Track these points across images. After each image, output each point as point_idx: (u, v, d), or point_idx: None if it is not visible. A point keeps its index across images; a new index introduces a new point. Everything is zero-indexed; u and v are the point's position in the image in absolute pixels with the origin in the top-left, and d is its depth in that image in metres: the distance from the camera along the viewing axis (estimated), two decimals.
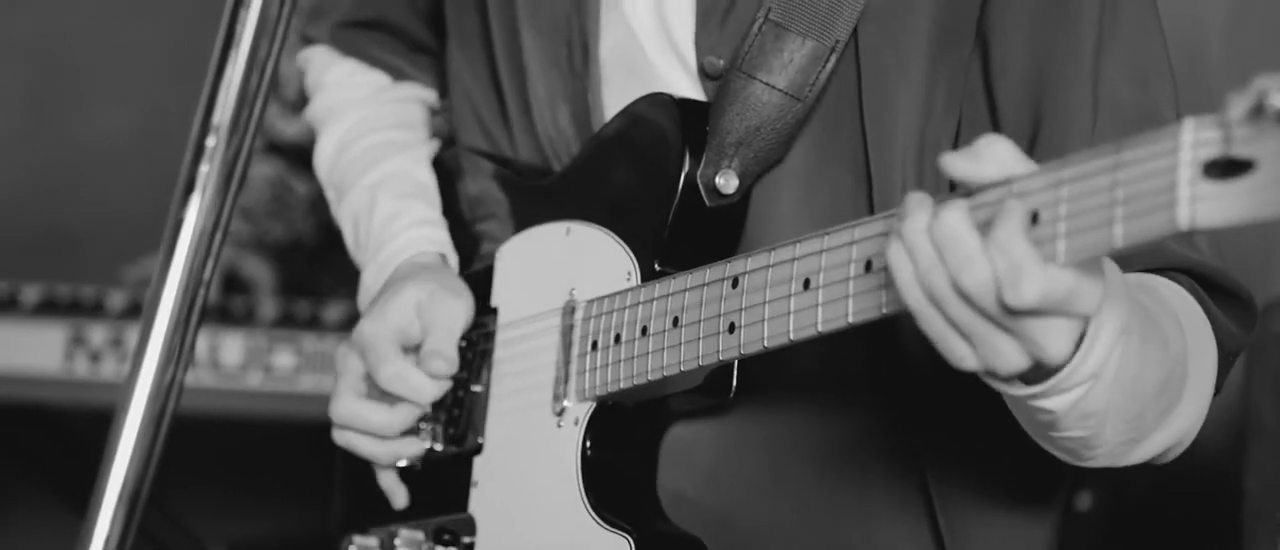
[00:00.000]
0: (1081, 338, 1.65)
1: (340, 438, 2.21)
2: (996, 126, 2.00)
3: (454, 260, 2.30)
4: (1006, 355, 1.62)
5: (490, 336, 2.20)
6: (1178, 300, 1.90)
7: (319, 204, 3.90)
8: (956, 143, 2.03)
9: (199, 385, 3.97)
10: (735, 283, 1.88)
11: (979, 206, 1.60)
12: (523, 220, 2.24)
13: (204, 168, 1.67)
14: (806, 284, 1.80)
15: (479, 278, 2.25)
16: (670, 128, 2.04)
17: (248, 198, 4.37)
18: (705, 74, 2.08)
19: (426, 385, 2.14)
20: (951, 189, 2.02)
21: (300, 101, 4.31)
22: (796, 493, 2.08)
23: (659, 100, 2.07)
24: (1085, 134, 1.96)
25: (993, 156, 1.62)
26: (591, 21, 2.17)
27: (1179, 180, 1.45)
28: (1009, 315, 1.59)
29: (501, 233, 2.27)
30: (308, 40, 2.54)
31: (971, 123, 2.02)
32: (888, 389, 2.06)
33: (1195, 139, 1.44)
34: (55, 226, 5.03)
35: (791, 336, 1.81)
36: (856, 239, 1.75)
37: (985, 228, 1.59)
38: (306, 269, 4.29)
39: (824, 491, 2.08)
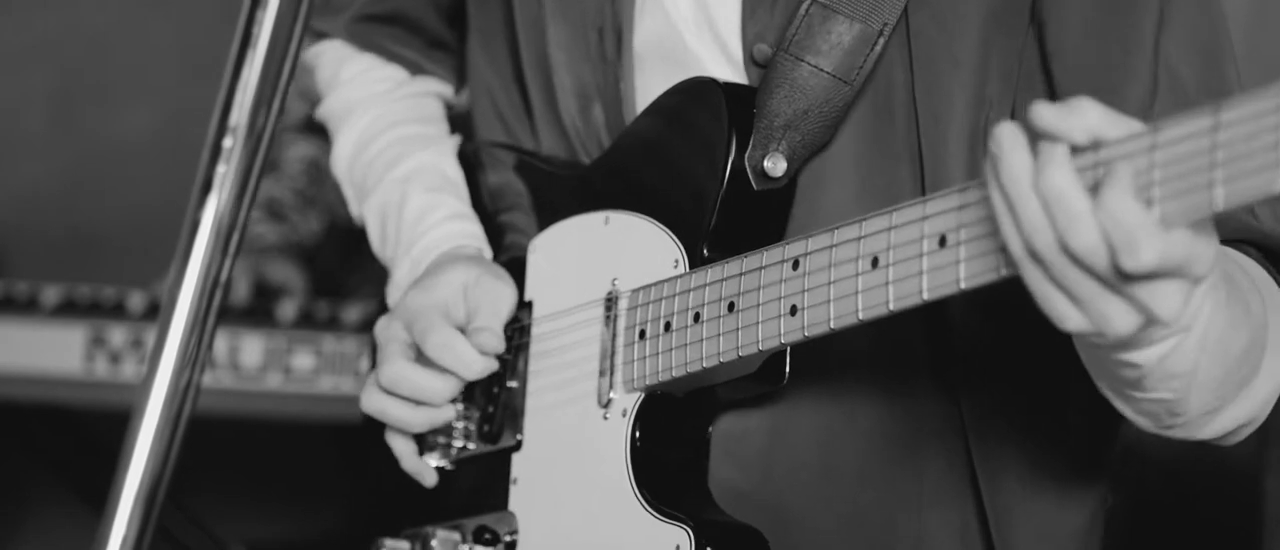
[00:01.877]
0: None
1: (375, 403, 2.18)
2: None
3: (488, 254, 2.28)
4: (1116, 318, 1.57)
5: (525, 331, 2.18)
6: (1257, 273, 1.88)
7: None
8: None
9: (219, 386, 3.97)
10: (796, 264, 1.86)
11: (1081, 169, 1.56)
12: (551, 211, 2.22)
13: (221, 168, 1.66)
14: (875, 262, 1.77)
15: (508, 269, 2.23)
16: (716, 112, 2.03)
17: (279, 186, 4.37)
18: (753, 61, 2.06)
19: (474, 359, 2.12)
20: None
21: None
22: (849, 482, 2.07)
23: (703, 84, 2.06)
24: (1143, 113, 1.93)
25: (1083, 112, 1.56)
26: (625, 11, 2.16)
27: None
28: (1122, 279, 1.55)
29: (525, 224, 2.25)
30: (319, 34, 2.52)
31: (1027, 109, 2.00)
32: (940, 375, 2.05)
33: None
34: (76, 227, 5.04)
35: (861, 316, 1.79)
36: (928, 215, 1.72)
37: (1091, 191, 1.55)
38: (341, 257, 4.29)
39: (877, 481, 2.07)
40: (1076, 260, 1.55)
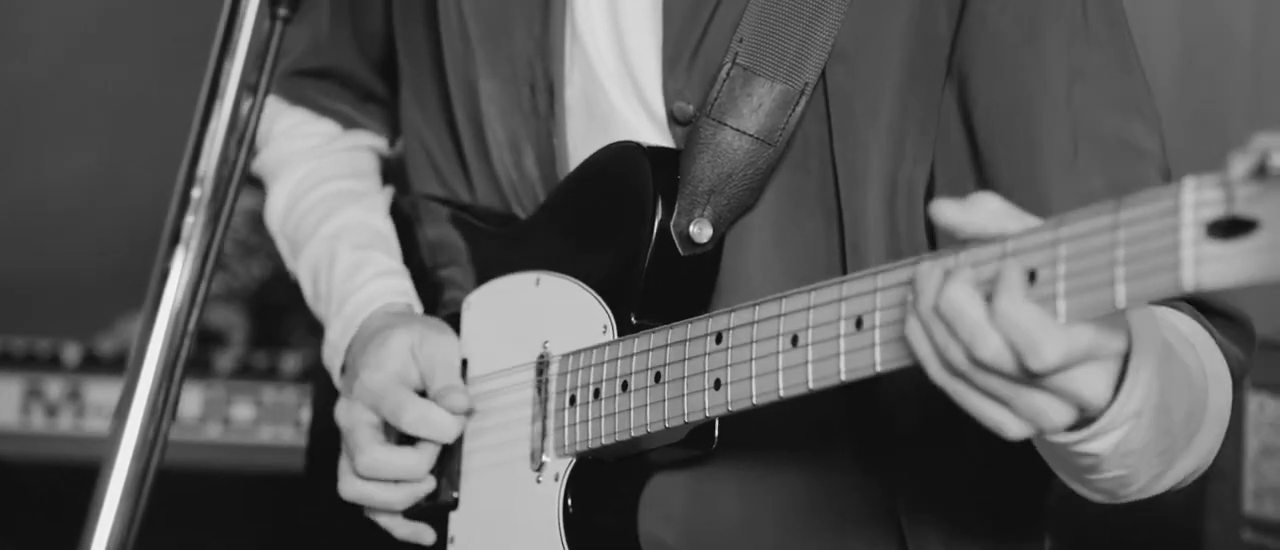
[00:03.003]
0: (1122, 375, 1.63)
1: (355, 490, 2.17)
2: (977, 161, 1.99)
3: (419, 310, 2.27)
4: (1048, 412, 1.59)
5: None
6: (1187, 328, 1.89)
7: None
8: (931, 184, 2.02)
9: None
10: (719, 338, 1.86)
11: (979, 264, 1.58)
12: (486, 268, 2.21)
13: (189, 218, 1.65)
14: (794, 340, 1.77)
15: (447, 325, 2.22)
16: (641, 177, 2.02)
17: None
18: (674, 120, 2.06)
19: (449, 423, 2.12)
20: (929, 232, 2.04)
21: None
22: (771, 541, 2.07)
23: (628, 148, 2.05)
24: (1065, 167, 1.95)
25: (983, 208, 1.59)
26: (556, 65, 2.15)
27: (1182, 241, 1.44)
28: (1033, 378, 1.56)
29: (463, 279, 2.24)
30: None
31: (948, 162, 2.01)
32: (863, 436, 2.05)
33: (1197, 199, 1.43)
34: (9, 280, 5.00)
35: (782, 393, 1.79)
36: (845, 296, 1.72)
37: (986, 286, 1.57)
38: (286, 302, 4.27)
39: (798, 540, 2.07)
40: (988, 369, 1.57)
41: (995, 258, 1.57)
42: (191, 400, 3.99)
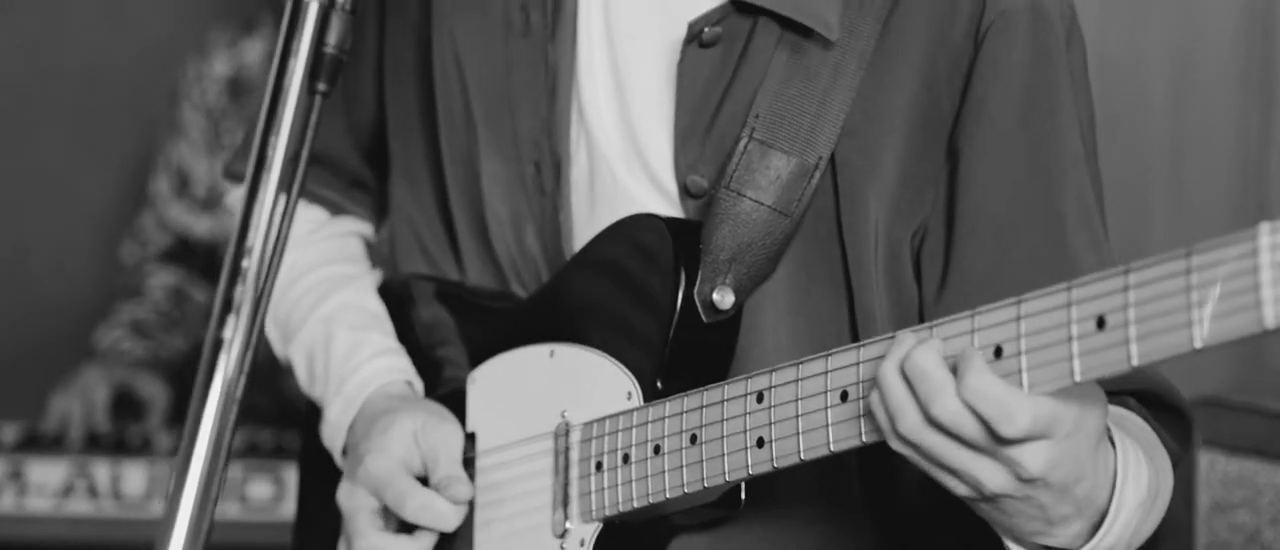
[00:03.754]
0: (1104, 515, 1.81)
1: None
2: (950, 235, 2.07)
3: (419, 386, 2.30)
4: (989, 477, 1.74)
5: (470, 463, 2.19)
6: (1145, 436, 1.99)
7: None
8: (920, 252, 2.09)
9: (102, 516, 3.93)
10: (760, 397, 1.91)
11: (1043, 313, 1.68)
12: (482, 343, 2.24)
13: (239, 288, 1.69)
14: (844, 396, 1.83)
15: (447, 403, 2.24)
16: (663, 247, 2.07)
17: (143, 309, 4.35)
18: (688, 193, 2.11)
19: (450, 512, 2.15)
20: (919, 292, 2.10)
21: (210, 198, 4.34)
22: None
23: (646, 220, 2.10)
24: (1058, 248, 2.04)
25: None
26: (562, 143, 2.19)
27: (1261, 281, 1.52)
28: (998, 443, 1.71)
29: (459, 357, 2.27)
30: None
31: (934, 234, 2.09)
32: (875, 504, 2.11)
33: (1273, 242, 1.52)
34: None
35: (832, 447, 1.84)
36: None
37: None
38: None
39: None
40: (941, 429, 1.72)
41: (1062, 306, 1.66)
42: (135, 478, 3.96)
